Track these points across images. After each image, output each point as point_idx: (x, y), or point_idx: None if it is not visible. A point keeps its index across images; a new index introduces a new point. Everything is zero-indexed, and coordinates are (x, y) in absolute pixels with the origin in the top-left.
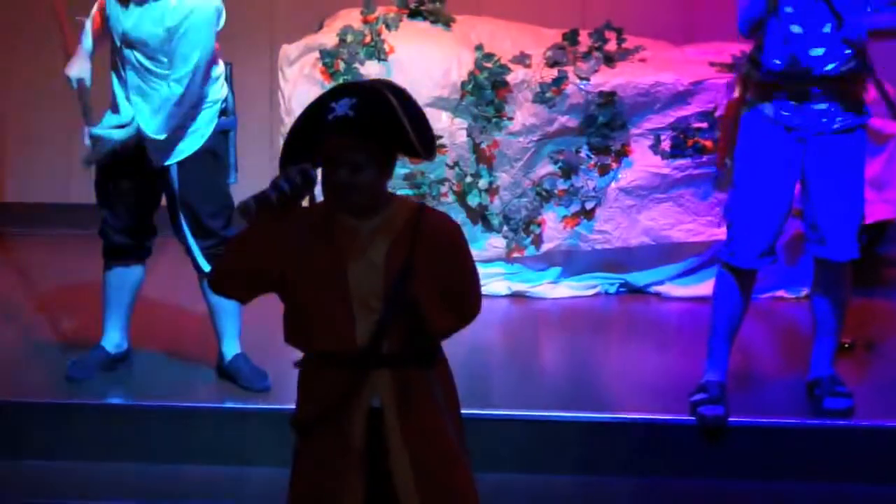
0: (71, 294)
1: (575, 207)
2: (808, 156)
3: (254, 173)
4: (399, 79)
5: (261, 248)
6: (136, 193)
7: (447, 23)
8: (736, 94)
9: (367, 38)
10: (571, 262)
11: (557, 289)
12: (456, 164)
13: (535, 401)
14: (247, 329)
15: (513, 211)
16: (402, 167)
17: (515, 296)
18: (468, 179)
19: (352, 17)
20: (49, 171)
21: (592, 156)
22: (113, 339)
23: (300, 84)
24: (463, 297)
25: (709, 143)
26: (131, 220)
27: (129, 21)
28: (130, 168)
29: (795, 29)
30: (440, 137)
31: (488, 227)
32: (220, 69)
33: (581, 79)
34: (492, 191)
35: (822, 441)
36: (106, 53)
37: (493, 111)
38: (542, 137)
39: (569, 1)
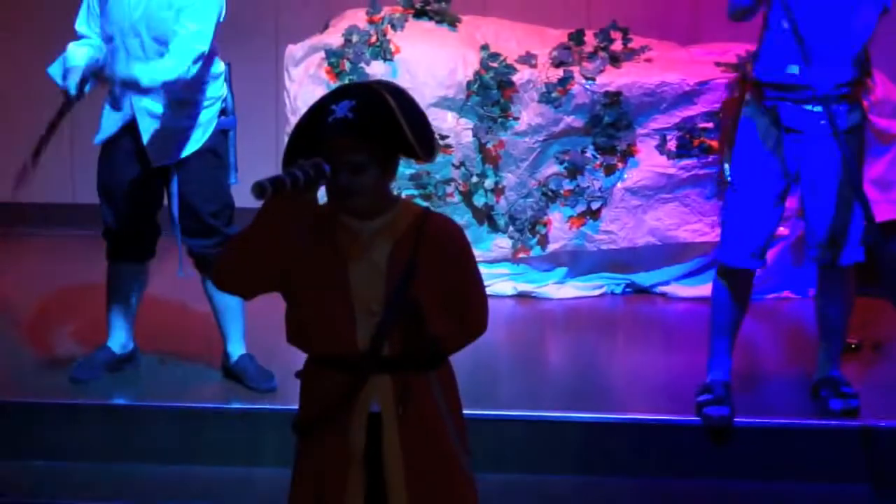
0: (78, 294)
1: (581, 208)
2: (805, 157)
3: (259, 172)
4: (404, 79)
5: (264, 245)
6: (139, 194)
7: (453, 23)
8: (735, 93)
9: (373, 38)
10: (577, 263)
11: (563, 289)
12: (461, 164)
13: (539, 401)
14: (253, 329)
15: (518, 211)
16: (408, 167)
17: (521, 296)
18: (474, 179)
19: (357, 18)
20: (53, 171)
21: (598, 156)
22: (119, 340)
23: (306, 84)
24: (465, 304)
25: (715, 143)
26: (134, 220)
27: (138, 9)
28: (132, 168)
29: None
30: (446, 137)
31: (494, 228)
32: (220, 67)
33: (587, 79)
34: (497, 191)
35: (827, 442)
36: None
37: (499, 111)
38: (548, 137)
39: (574, 1)
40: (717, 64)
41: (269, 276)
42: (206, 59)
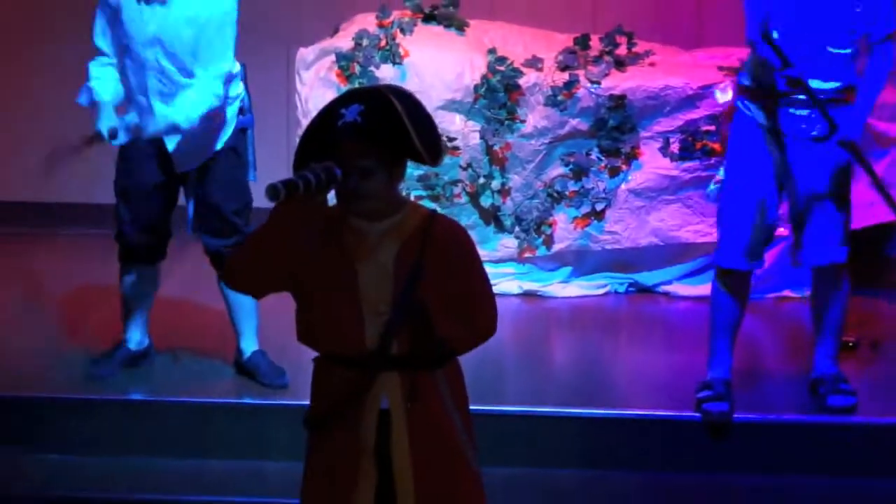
0: (97, 292)
1: (585, 208)
2: (794, 160)
3: (271, 174)
4: (413, 82)
5: (274, 246)
6: (155, 196)
7: (460, 27)
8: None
9: (383, 42)
10: (581, 262)
11: (568, 288)
12: (469, 165)
13: (544, 397)
14: (265, 326)
15: (524, 212)
16: (417, 169)
17: (527, 295)
18: (481, 181)
19: (367, 22)
20: (75, 171)
21: (603, 158)
22: (134, 337)
23: (317, 87)
24: (473, 306)
25: (717, 146)
26: (150, 223)
27: (153, 22)
28: (153, 172)
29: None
30: (454, 140)
31: (500, 228)
32: (237, 67)
33: (592, 82)
34: (504, 192)
35: (825, 437)
36: None
37: (506, 114)
38: (554, 140)
39: (580, 6)
40: (720, 68)
41: (278, 276)
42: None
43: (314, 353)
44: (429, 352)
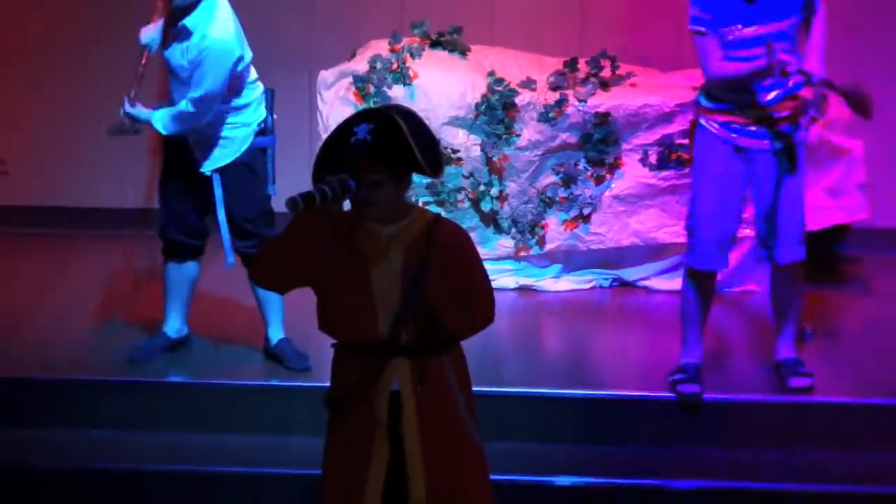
0: (140, 285)
1: (574, 212)
2: (754, 172)
3: (297, 184)
4: (421, 101)
5: (296, 248)
6: (190, 198)
7: (463, 52)
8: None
9: (394, 65)
10: (571, 260)
11: (558, 283)
12: (471, 174)
13: (538, 380)
14: (290, 316)
15: (520, 215)
16: (424, 178)
17: (522, 289)
18: (481, 188)
19: (381, 47)
20: (121, 178)
21: (589, 168)
22: (174, 325)
23: (336, 105)
24: (472, 299)
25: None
26: (186, 221)
27: (169, 53)
28: (186, 177)
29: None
30: (457, 151)
31: (499, 230)
32: (253, 94)
33: (580, 101)
34: (502, 198)
35: (786, 414)
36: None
37: (503, 129)
38: (546, 152)
39: (569, 33)
40: (694, 88)
41: (298, 275)
42: (231, 95)
43: (333, 341)
44: (434, 340)
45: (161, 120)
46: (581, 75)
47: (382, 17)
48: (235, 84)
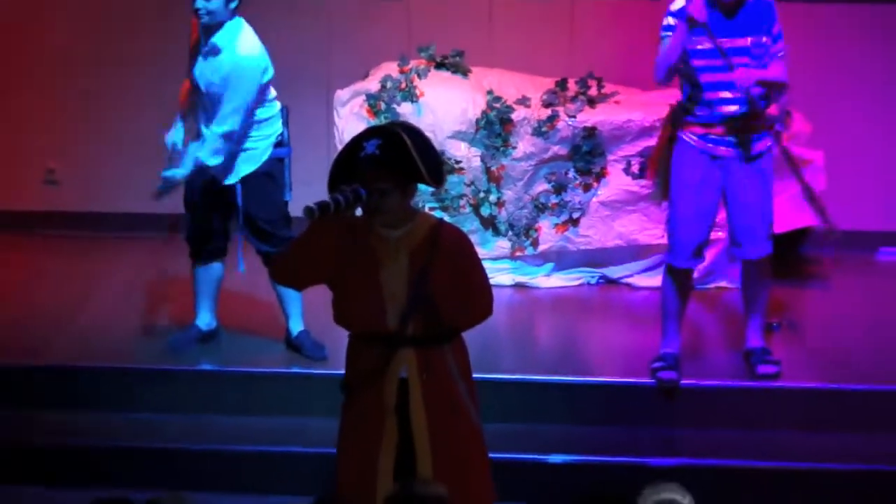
0: (175, 283)
1: (564, 217)
2: (727, 179)
3: (316, 192)
4: (427, 117)
5: (312, 251)
6: (213, 207)
7: (465, 73)
8: (663, 130)
9: (403, 85)
10: (561, 260)
11: (550, 280)
12: (472, 183)
13: (532, 367)
14: (309, 311)
15: (516, 219)
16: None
17: (517, 286)
18: (481, 195)
19: (391, 68)
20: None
21: (578, 177)
22: (204, 319)
23: (351, 121)
24: (471, 296)
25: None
26: (209, 228)
27: (199, 71)
28: (208, 187)
29: (705, 79)
30: (459, 162)
31: (496, 232)
32: (273, 110)
33: (569, 117)
34: (499, 204)
35: (755, 398)
36: None
37: (501, 142)
38: (539, 162)
39: (560, 56)
40: (671, 105)
41: (314, 275)
42: (253, 110)
43: (347, 333)
44: (438, 332)
45: (206, 157)
46: (571, 94)
47: (392, 42)
48: (260, 97)
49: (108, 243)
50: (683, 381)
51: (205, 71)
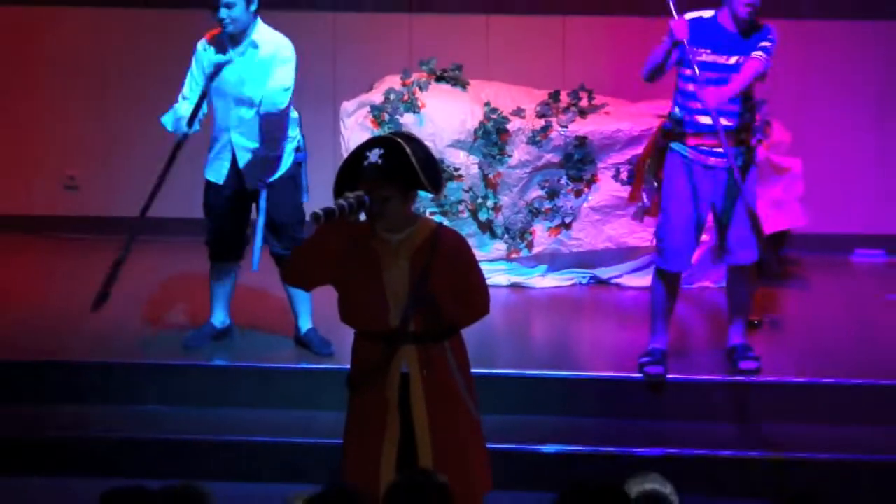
0: (191, 284)
1: (557, 221)
2: (715, 188)
3: (322, 198)
4: (428, 127)
5: (319, 253)
6: (230, 213)
7: (464, 85)
8: (648, 142)
9: (405, 97)
10: (555, 261)
11: (544, 280)
12: (470, 189)
13: (527, 362)
14: (317, 310)
15: (512, 223)
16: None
17: (513, 286)
18: (479, 200)
19: (394, 81)
20: (176, 191)
21: (570, 183)
22: (219, 317)
23: (356, 131)
24: (469, 295)
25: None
26: (227, 232)
27: (233, 76)
28: (230, 193)
29: (687, 88)
30: (458, 170)
31: (493, 236)
32: (295, 114)
33: (562, 127)
34: (496, 209)
35: (737, 392)
36: None
37: (497, 150)
38: (533, 170)
39: (553, 70)
40: (659, 116)
41: (321, 276)
42: (287, 109)
43: (353, 331)
44: (438, 329)
45: (271, 106)
46: (563, 105)
47: (395, 56)
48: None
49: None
50: (670, 376)
51: (237, 70)
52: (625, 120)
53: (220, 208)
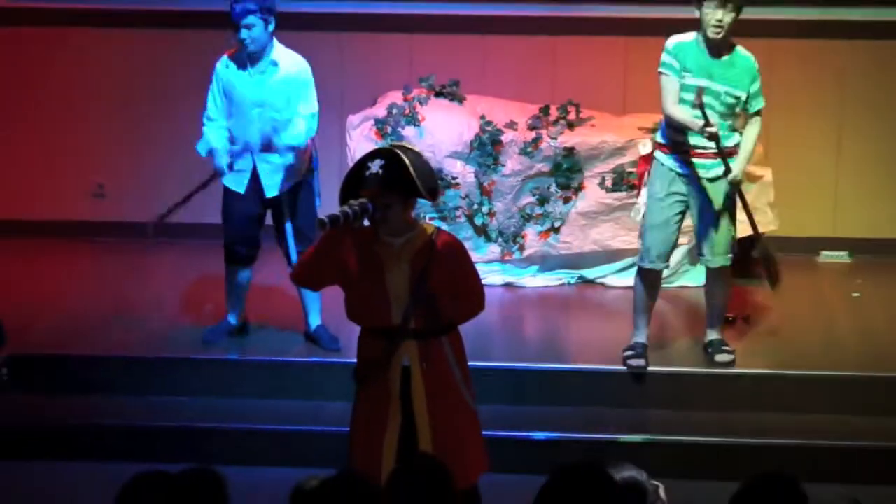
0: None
1: (547, 225)
2: (692, 196)
3: (329, 205)
4: (428, 138)
5: (326, 257)
6: (247, 219)
7: (461, 100)
8: (645, 151)
9: (407, 111)
10: (545, 262)
11: (535, 280)
12: (467, 196)
13: (520, 356)
14: (326, 308)
15: (505, 228)
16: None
17: (507, 285)
18: (475, 206)
19: (396, 96)
20: (196, 197)
21: (559, 190)
22: (235, 315)
23: (361, 142)
24: (466, 294)
25: (637, 182)
26: (244, 237)
27: (248, 90)
28: (248, 199)
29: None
30: (455, 178)
31: (488, 239)
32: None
33: (551, 138)
34: (491, 214)
35: (713, 383)
36: None
37: (492, 160)
38: (525, 178)
39: (543, 86)
40: (640, 128)
41: (327, 278)
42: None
43: (359, 327)
44: (437, 326)
45: (299, 140)
46: (552, 118)
47: (397, 73)
48: None
49: (151, 249)
50: (651, 368)
51: (258, 87)
52: (609, 132)
53: (238, 215)
